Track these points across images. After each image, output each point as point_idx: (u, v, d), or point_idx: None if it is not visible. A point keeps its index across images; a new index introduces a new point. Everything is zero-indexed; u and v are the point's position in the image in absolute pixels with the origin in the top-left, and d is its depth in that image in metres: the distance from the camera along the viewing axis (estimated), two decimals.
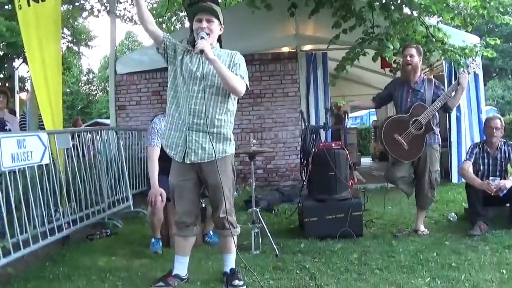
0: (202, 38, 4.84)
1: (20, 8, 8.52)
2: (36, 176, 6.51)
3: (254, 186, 6.98)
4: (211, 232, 7.21)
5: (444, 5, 10.54)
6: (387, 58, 10.08)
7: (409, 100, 7.32)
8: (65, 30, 26.61)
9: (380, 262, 6.00)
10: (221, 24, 5.19)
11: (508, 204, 7.54)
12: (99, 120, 41.22)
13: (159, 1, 21.87)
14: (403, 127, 7.19)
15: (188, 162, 5.00)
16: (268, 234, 6.67)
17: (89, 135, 8.84)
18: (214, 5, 5.37)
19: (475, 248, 6.44)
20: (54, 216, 6.94)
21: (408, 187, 7.53)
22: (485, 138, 8.03)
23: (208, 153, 4.96)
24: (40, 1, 8.60)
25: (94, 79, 65.19)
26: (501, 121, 7.84)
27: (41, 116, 8.80)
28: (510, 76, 54.50)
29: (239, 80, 4.92)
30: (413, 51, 7.39)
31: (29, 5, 8.49)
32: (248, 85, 5.06)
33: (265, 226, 6.80)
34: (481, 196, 7.44)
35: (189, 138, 4.97)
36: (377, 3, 10.43)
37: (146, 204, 7.00)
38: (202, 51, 4.71)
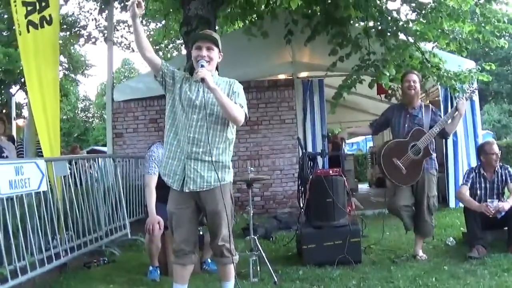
0: (202, 66, 4.84)
1: (20, 34, 8.60)
2: (33, 203, 6.50)
3: (252, 214, 6.96)
4: (209, 260, 7.19)
5: (440, 31, 10.63)
6: (383, 85, 10.13)
7: (406, 125, 7.36)
8: (62, 58, 26.64)
9: None
10: (220, 52, 5.18)
11: (506, 228, 7.55)
12: (95, 147, 41.19)
13: (155, 28, 21.95)
14: (401, 151, 7.22)
15: (186, 190, 4.99)
16: (267, 261, 6.66)
17: (87, 163, 8.83)
18: (214, 33, 5.40)
19: (474, 272, 6.44)
20: (52, 243, 6.92)
21: (411, 221, 7.48)
22: (481, 163, 8.03)
23: (206, 182, 4.95)
24: (39, 27, 8.69)
25: (91, 106, 65.20)
26: (496, 145, 7.91)
27: (38, 143, 8.81)
28: (505, 99, 54.66)
29: (239, 109, 4.92)
30: (415, 77, 7.49)
31: (28, 31, 8.58)
32: (247, 114, 5.06)
33: (263, 254, 6.79)
34: (479, 220, 7.45)
35: (187, 167, 4.95)
36: (373, 30, 10.50)
37: (144, 232, 6.99)
38: (203, 80, 4.70)
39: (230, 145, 5.12)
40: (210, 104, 4.93)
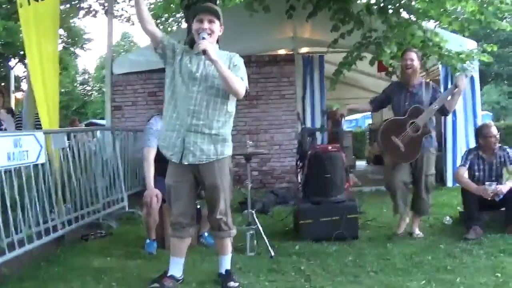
0: (203, 38, 4.83)
1: (21, 6, 8.53)
2: (32, 175, 6.50)
3: (250, 188, 6.97)
4: (206, 234, 7.21)
5: (441, 10, 10.58)
6: (384, 62, 10.10)
7: (407, 103, 7.32)
8: (61, 31, 26.56)
9: (375, 265, 6.00)
10: (221, 25, 5.17)
11: (503, 208, 7.56)
12: (94, 120, 41.17)
13: (156, 1, 21.85)
14: (400, 129, 7.20)
15: (185, 163, 4.99)
16: (264, 236, 6.68)
17: (85, 136, 8.82)
18: (216, 6, 5.38)
19: (470, 251, 6.44)
20: (49, 216, 6.92)
21: (404, 203, 7.46)
22: (479, 144, 8.00)
23: (206, 155, 4.96)
24: (40, 0, 8.63)
25: (90, 79, 65.07)
26: (495, 127, 7.90)
27: (37, 115, 8.80)
28: (505, 81, 54.60)
29: (240, 82, 4.92)
30: (413, 55, 7.42)
31: (29, 3, 8.51)
32: (248, 87, 5.07)
33: (260, 228, 6.82)
34: (477, 201, 7.44)
35: (187, 139, 4.95)
36: (375, 7, 10.45)
37: (141, 205, 6.99)
38: (204, 51, 4.70)
39: (230, 118, 5.13)
40: (211, 76, 4.94)
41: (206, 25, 4.98)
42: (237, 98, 5.06)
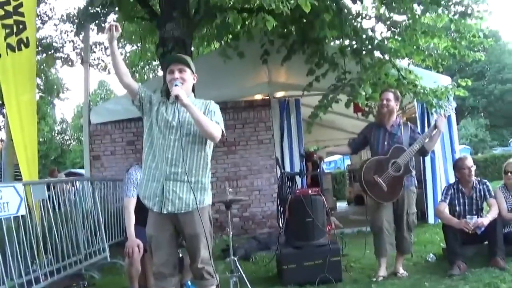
0: (176, 85, 4.88)
1: (0, 57, 8.57)
2: (12, 227, 6.47)
3: (231, 235, 6.95)
4: (189, 282, 7.16)
5: (414, 47, 10.71)
6: (359, 104, 10.18)
7: (386, 143, 7.41)
8: (38, 80, 26.50)
9: None
10: (193, 73, 5.24)
11: (486, 242, 7.60)
12: (72, 170, 41.01)
13: (132, 50, 21.93)
14: (382, 168, 7.26)
15: (165, 212, 4.97)
16: (247, 283, 6.68)
17: (65, 186, 8.79)
18: (185, 56, 5.45)
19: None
20: (31, 267, 6.88)
21: (389, 246, 7.42)
22: (458, 179, 8.07)
23: (185, 203, 4.94)
24: (17, 50, 8.69)
25: (67, 128, 64.97)
26: (471, 159, 7.98)
27: (16, 166, 8.79)
28: (482, 114, 55.22)
29: (215, 126, 4.92)
30: (390, 95, 7.54)
31: (7, 54, 8.56)
32: (224, 131, 5.07)
33: (244, 275, 6.79)
34: (459, 236, 7.48)
35: (166, 188, 4.94)
36: (348, 49, 10.57)
37: (123, 255, 6.95)
38: (177, 97, 4.73)
39: (208, 165, 5.12)
40: (187, 123, 4.95)
41: (176, 74, 5.04)
42: (214, 142, 5.05)
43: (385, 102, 7.51)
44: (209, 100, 5.23)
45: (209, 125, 4.84)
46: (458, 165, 8.03)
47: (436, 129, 7.38)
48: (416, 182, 7.66)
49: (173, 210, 4.96)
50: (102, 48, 19.20)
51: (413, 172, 7.49)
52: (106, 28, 4.76)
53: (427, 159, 12.12)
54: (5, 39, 8.68)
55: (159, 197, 4.98)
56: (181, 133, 4.92)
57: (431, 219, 12.19)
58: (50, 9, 19.29)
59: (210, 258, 5.16)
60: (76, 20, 15.75)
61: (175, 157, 4.92)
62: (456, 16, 10.82)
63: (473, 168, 7.84)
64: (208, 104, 5.14)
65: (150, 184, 5.06)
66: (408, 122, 7.86)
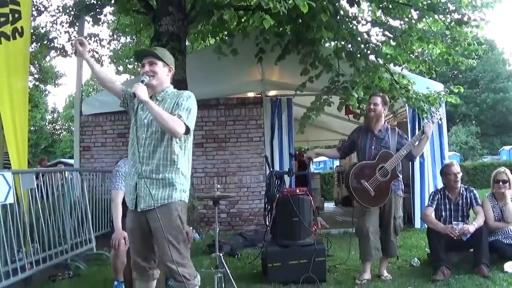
0: (142, 81, 4.86)
1: None
2: (0, 215, 6.47)
3: (218, 231, 6.97)
4: None
5: (410, 55, 10.76)
6: (351, 107, 10.21)
7: (373, 147, 7.44)
8: (32, 68, 26.44)
9: None
10: (167, 65, 5.18)
11: (471, 249, 7.64)
12: (62, 159, 40.86)
13: (126, 42, 21.91)
14: (369, 173, 7.28)
15: (139, 210, 4.97)
16: (232, 279, 6.66)
17: (54, 176, 8.79)
18: (159, 48, 5.44)
19: None
20: (17, 256, 6.88)
21: (375, 251, 7.39)
22: (445, 184, 8.14)
23: (153, 200, 4.88)
24: (11, 39, 8.68)
25: (59, 118, 64.80)
26: (458, 165, 8.02)
27: (6, 154, 8.78)
28: (473, 121, 55.35)
29: (175, 120, 4.80)
30: (378, 99, 7.54)
31: (1, 42, 8.55)
32: (189, 125, 4.93)
33: (229, 271, 6.79)
34: (443, 241, 7.55)
35: (138, 186, 4.95)
36: (343, 52, 10.61)
37: (110, 246, 6.96)
38: (134, 95, 4.71)
39: (178, 161, 5.01)
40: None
41: (146, 68, 5.04)
42: (175, 137, 4.91)
43: (372, 106, 7.54)
44: (185, 92, 5.17)
45: (168, 120, 4.74)
46: (444, 170, 8.11)
47: (424, 135, 7.41)
48: (403, 186, 7.69)
49: (144, 207, 4.93)
50: (96, 40, 19.16)
51: (400, 177, 7.53)
52: (73, 44, 4.82)
53: (416, 164, 12.15)
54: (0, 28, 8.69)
55: (133, 194, 4.99)
56: (151, 130, 4.96)
57: (417, 223, 12.26)
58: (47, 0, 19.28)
59: (183, 260, 4.96)
60: (72, 12, 15.75)
61: (146, 155, 4.93)
62: (452, 23, 10.86)
63: (459, 175, 7.89)
64: (179, 97, 5.05)
65: (127, 182, 5.11)
66: (396, 127, 7.89)
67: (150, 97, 4.91)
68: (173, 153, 4.96)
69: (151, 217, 4.93)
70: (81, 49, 4.89)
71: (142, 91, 4.73)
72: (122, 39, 21.89)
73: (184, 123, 4.84)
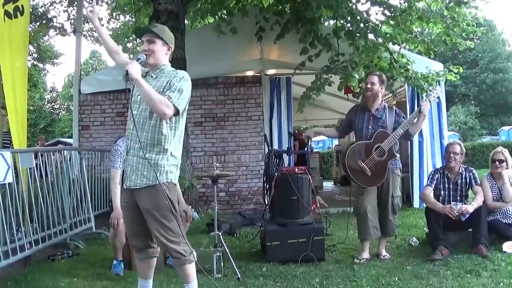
0: (138, 59, 4.84)
1: None
2: None
3: (216, 210, 6.97)
4: None
5: (409, 35, 10.72)
6: (352, 88, 10.20)
7: (370, 127, 7.43)
8: (31, 47, 26.38)
9: (342, 287, 6.04)
10: (167, 43, 5.10)
11: (470, 229, 7.64)
12: (61, 139, 40.84)
13: (125, 21, 21.85)
14: (366, 153, 7.28)
15: (125, 187, 4.99)
16: (230, 257, 6.68)
17: (52, 155, 8.77)
18: (159, 25, 5.37)
19: (436, 272, 6.50)
20: (16, 235, 6.88)
21: (373, 230, 7.40)
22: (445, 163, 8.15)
23: (140, 179, 4.86)
24: (13, 17, 8.69)
25: (58, 97, 64.68)
26: (460, 146, 7.98)
27: (5, 134, 8.77)
28: (472, 102, 55.29)
29: (163, 101, 4.69)
30: (375, 79, 7.51)
31: (4, 20, 8.56)
32: (179, 106, 4.81)
33: (227, 250, 6.82)
34: (441, 221, 7.56)
35: (127, 163, 4.97)
36: (343, 31, 10.58)
37: (108, 225, 6.97)
38: (127, 73, 4.64)
39: (166, 142, 4.93)
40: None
41: (145, 46, 4.99)
42: (162, 118, 4.81)
43: (369, 85, 7.51)
44: (182, 72, 5.06)
45: (155, 101, 4.64)
46: (446, 147, 8.16)
47: (421, 113, 7.39)
48: (401, 165, 7.69)
49: (130, 186, 4.93)
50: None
51: (398, 156, 7.53)
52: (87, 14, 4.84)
53: (415, 143, 12.16)
54: (3, 6, 8.68)
55: (124, 171, 5.01)
56: (141, 108, 4.92)
57: (416, 203, 12.27)
58: None
59: (175, 237, 4.94)
60: None
61: (134, 133, 4.87)
62: (451, 3, 10.83)
63: (457, 156, 7.88)
64: (173, 77, 4.94)
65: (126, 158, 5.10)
66: (394, 106, 7.86)
67: (147, 73, 4.95)
68: (161, 133, 4.88)
69: (138, 197, 4.92)
70: (91, 15, 4.96)
71: (134, 69, 4.67)
72: (121, 18, 21.86)
73: (174, 105, 4.75)
